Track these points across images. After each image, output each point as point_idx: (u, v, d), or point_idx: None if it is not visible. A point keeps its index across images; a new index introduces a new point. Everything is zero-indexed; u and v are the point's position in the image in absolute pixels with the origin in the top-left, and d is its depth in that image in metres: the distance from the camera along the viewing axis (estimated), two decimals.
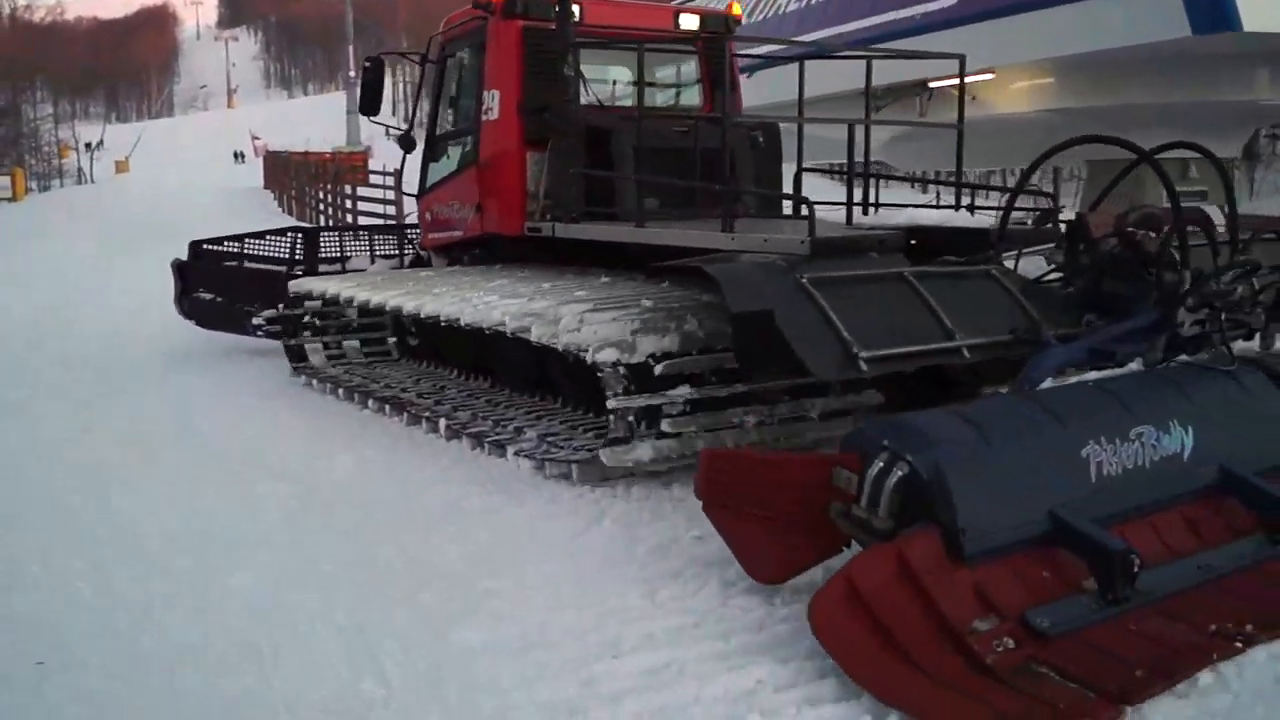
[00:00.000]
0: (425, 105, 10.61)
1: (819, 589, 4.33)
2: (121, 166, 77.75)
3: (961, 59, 9.07)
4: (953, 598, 4.20)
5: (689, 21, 10.09)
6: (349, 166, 36.01)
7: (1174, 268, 5.85)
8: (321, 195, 31.17)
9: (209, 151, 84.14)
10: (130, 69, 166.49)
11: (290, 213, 35.91)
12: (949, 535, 4.33)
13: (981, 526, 4.36)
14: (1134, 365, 5.97)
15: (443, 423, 7.94)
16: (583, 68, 8.89)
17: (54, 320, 15.25)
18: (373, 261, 12.38)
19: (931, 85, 15.64)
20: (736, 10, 10.47)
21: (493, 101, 9.46)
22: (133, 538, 6.03)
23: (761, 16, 19.47)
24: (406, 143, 10.38)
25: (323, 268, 12.40)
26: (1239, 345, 6.11)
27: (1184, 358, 5.82)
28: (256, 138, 70.46)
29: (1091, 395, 5.18)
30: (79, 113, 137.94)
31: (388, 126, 10.82)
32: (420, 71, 10.63)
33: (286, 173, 39.65)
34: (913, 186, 40.48)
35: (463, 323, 7.64)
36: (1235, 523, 5.08)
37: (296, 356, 10.58)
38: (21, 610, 5.08)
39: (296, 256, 12.48)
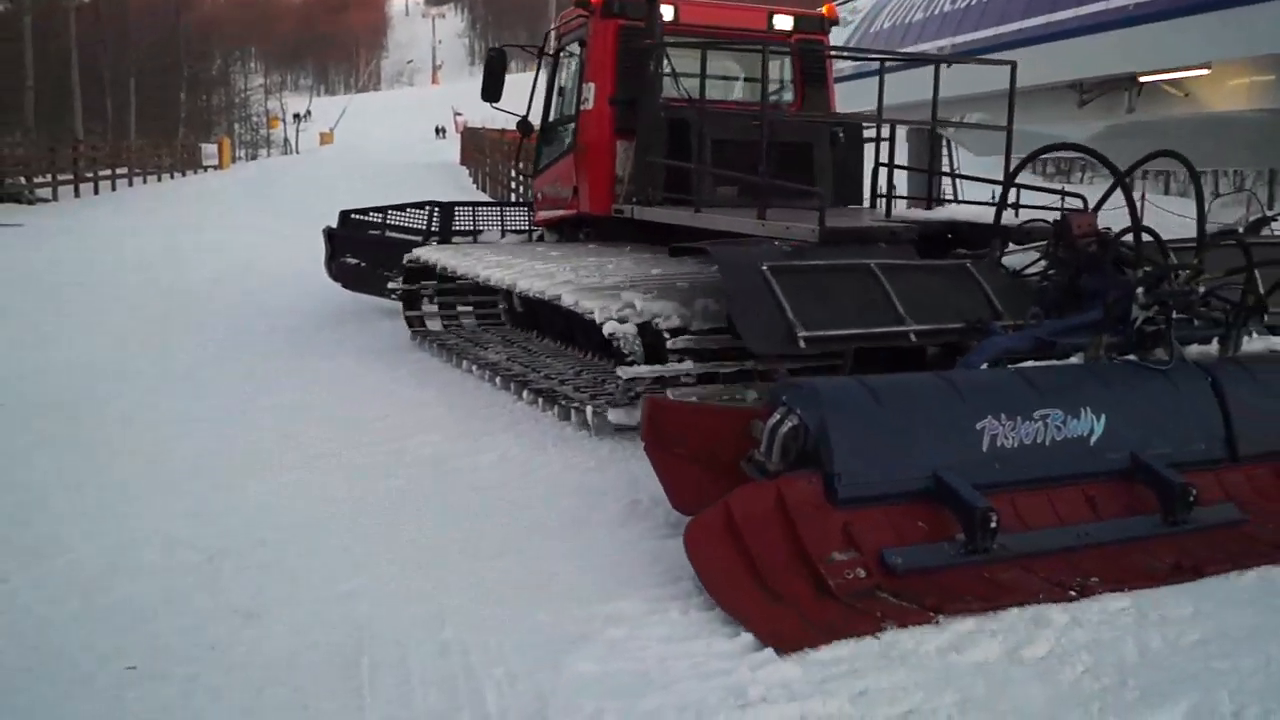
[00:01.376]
0: (541, 93, 11.54)
1: (698, 515, 4.96)
2: (326, 138, 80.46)
3: (1013, 65, 9.25)
4: (816, 531, 4.88)
5: (783, 22, 10.79)
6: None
7: (1134, 268, 6.34)
8: (512, 174, 31.44)
9: (412, 126, 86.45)
10: (340, 43, 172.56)
11: (484, 189, 36.45)
12: (827, 480, 5.02)
13: (858, 475, 5.03)
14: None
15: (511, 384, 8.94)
16: (678, 64, 9.78)
17: (238, 285, 15.88)
18: (503, 235, 13.15)
19: (1141, 80, 14.74)
20: (834, 11, 11.18)
21: (589, 93, 10.44)
22: (245, 532, 5.90)
23: (965, 3, 18.71)
24: (525, 127, 11.42)
25: (456, 239, 13.15)
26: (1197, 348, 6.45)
27: (1132, 356, 6.19)
28: (459, 114, 71.83)
29: (1004, 378, 5.75)
30: (288, 85, 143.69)
31: (508, 113, 11.37)
32: (538, 63, 11.57)
33: (481, 150, 40.31)
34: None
35: (517, 290, 8.91)
36: (1136, 504, 5.55)
37: (416, 322, 11.57)
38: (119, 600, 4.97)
39: (433, 228, 13.35)
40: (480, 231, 13.43)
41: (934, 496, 5.14)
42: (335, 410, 8.59)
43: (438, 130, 70.58)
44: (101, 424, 8.17)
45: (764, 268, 6.66)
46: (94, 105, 47.48)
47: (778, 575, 4.76)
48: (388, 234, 13.35)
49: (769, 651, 4.31)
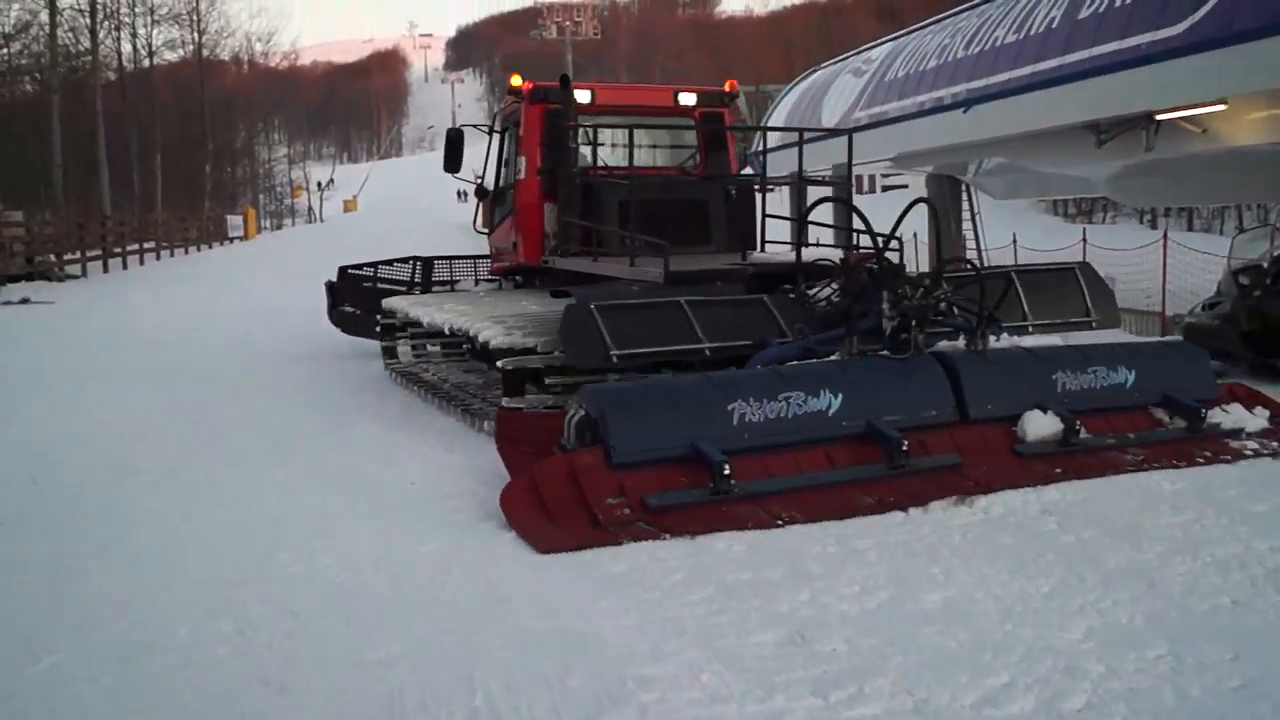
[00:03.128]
0: (493, 164, 13.70)
1: (510, 482, 7.38)
2: (349, 205, 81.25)
3: (849, 133, 12.14)
4: (596, 486, 7.03)
5: (687, 99, 13.04)
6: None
7: (886, 291, 8.65)
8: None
9: (434, 189, 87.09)
10: (361, 110, 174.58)
11: None
12: (606, 451, 7.17)
13: (629, 447, 7.20)
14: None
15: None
16: (600, 138, 12.34)
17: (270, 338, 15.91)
18: (476, 284, 15.26)
19: (1159, 117, 14.71)
20: (735, 86, 13.34)
21: (522, 165, 12.74)
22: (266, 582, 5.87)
23: (979, 48, 18.79)
24: (482, 192, 13.80)
25: (435, 289, 15.46)
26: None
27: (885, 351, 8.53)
28: (480, 177, 72.47)
29: (756, 373, 8.14)
30: (311, 153, 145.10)
31: (467, 181, 13.77)
32: (489, 139, 13.79)
33: None
34: (1141, 221, 38.72)
35: (424, 323, 12.05)
36: (868, 457, 7.68)
37: (389, 354, 13.99)
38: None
39: (416, 279, 15.69)
40: (457, 281, 15.70)
41: (692, 459, 7.28)
42: (366, 470, 8.58)
43: (459, 194, 71.35)
44: (133, 493, 8.19)
45: (592, 305, 9.00)
46: (121, 180, 48.06)
47: (563, 514, 6.92)
48: (379, 285, 15.58)
49: (535, 554, 6.49)
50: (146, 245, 39.97)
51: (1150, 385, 9.07)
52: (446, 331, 11.28)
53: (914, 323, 8.57)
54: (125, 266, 36.05)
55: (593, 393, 7.63)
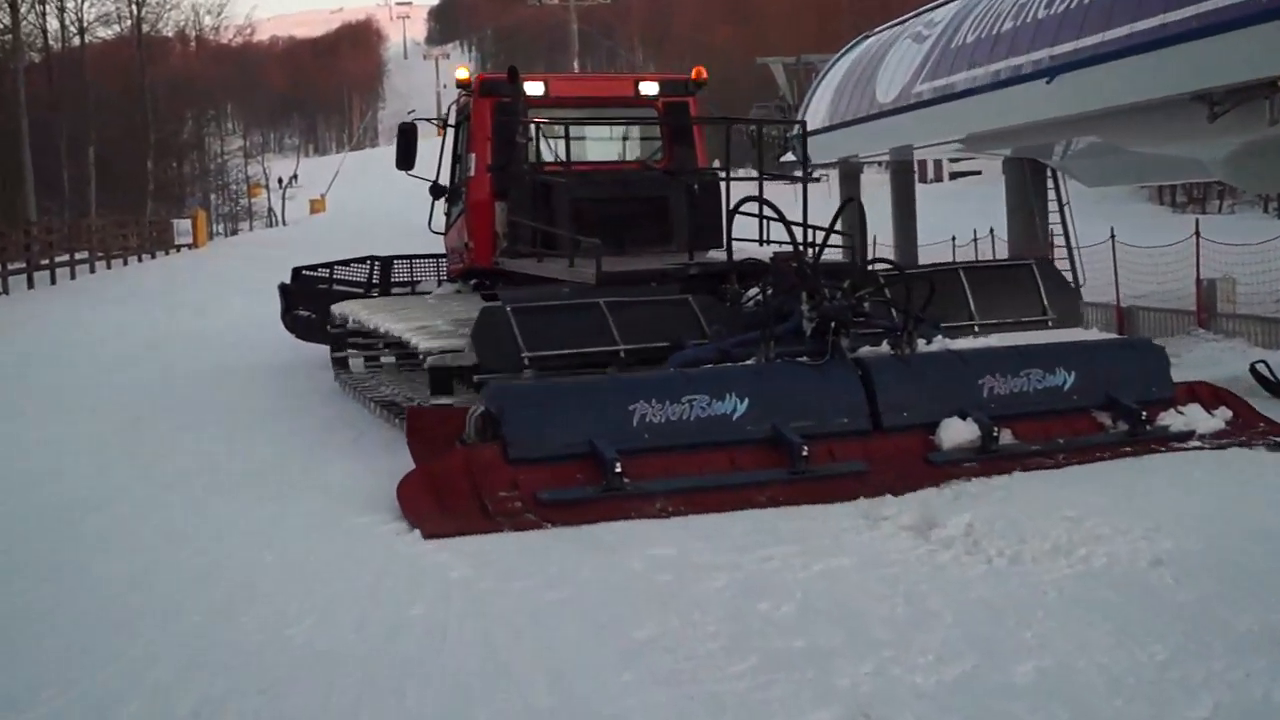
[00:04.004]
0: (448, 161, 15.03)
1: (407, 473, 9.01)
2: (317, 206, 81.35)
3: (803, 124, 14.66)
4: (490, 480, 8.59)
5: (648, 88, 14.33)
6: None
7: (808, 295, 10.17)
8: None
9: (416, 185, 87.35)
10: (330, 94, 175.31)
11: None
12: (503, 447, 8.75)
13: (526, 443, 8.77)
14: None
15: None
16: (555, 132, 13.45)
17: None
18: (439, 285, 16.30)
19: None
20: (702, 75, 14.53)
21: (473, 162, 14.13)
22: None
23: (1064, 6, 18.76)
24: (437, 191, 15.15)
25: (395, 291, 17.04)
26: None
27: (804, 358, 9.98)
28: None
29: (662, 375, 9.73)
30: (272, 145, 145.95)
31: (421, 179, 14.82)
32: (443, 134, 15.22)
33: None
34: (1266, 210, 38.53)
35: (365, 328, 13.81)
36: (773, 462, 9.16)
37: (341, 364, 15.51)
38: None
39: (374, 281, 17.23)
40: (419, 283, 17.12)
41: (590, 457, 8.79)
42: (343, 519, 8.60)
43: (435, 189, 71.63)
44: (77, 545, 8.23)
45: (508, 307, 10.58)
46: (48, 179, 48.42)
47: (455, 504, 8.51)
48: (334, 287, 17.00)
49: (424, 540, 8.03)
50: (78, 256, 40.24)
51: (1093, 387, 10.33)
52: (381, 335, 13.02)
53: (833, 326, 10.02)
54: (54, 281, 36.28)
55: (494, 391, 9.36)
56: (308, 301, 16.97)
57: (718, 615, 6.38)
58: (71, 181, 51.54)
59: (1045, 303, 12.22)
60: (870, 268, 11.69)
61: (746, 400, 9.34)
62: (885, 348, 10.40)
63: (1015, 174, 23.52)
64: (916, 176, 30.12)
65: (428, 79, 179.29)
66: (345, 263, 17.58)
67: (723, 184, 13.23)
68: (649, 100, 14.41)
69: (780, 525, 8.11)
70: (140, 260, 46.23)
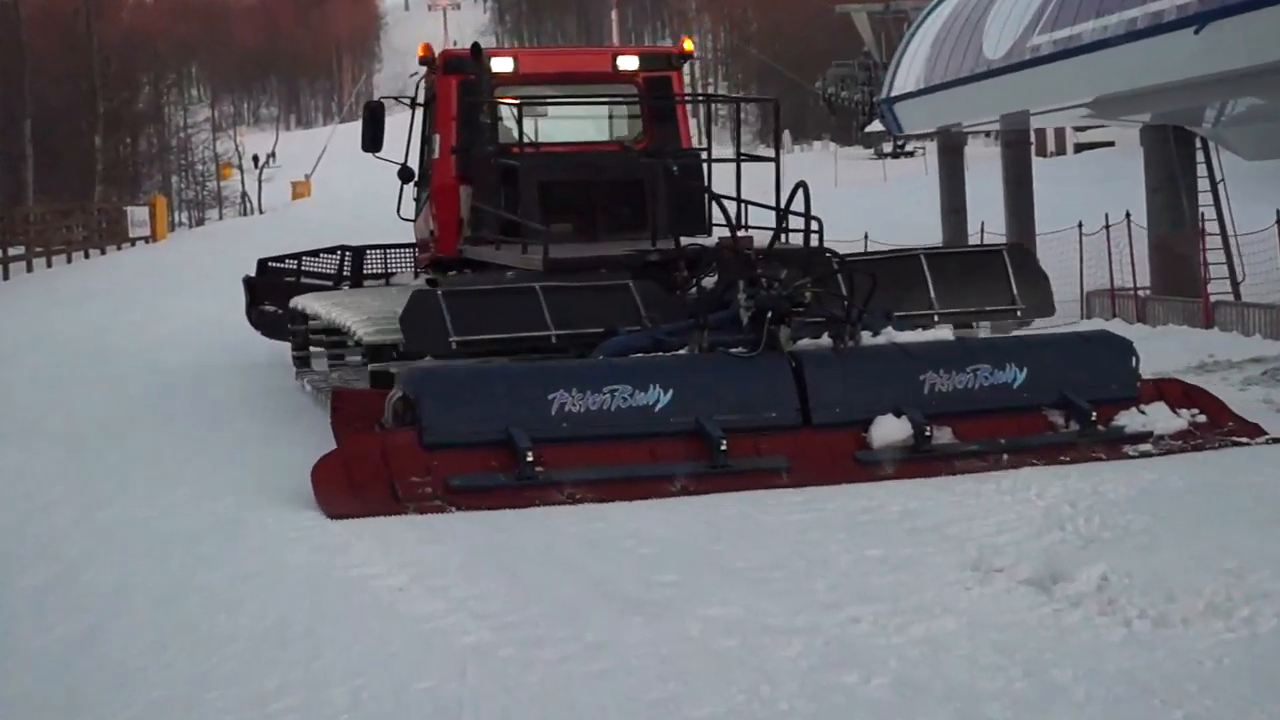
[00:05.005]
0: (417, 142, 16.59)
1: (323, 455, 10.63)
2: (300, 189, 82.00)
3: (775, 103, 16.48)
4: (404, 465, 10.32)
5: (627, 62, 15.84)
6: None
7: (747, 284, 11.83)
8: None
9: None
10: (315, 55, 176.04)
11: None
12: (419, 432, 10.46)
13: (443, 430, 10.47)
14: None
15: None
16: (527, 110, 14.82)
17: None
18: (416, 276, 17.74)
19: None
20: (688, 47, 16.52)
21: (437, 143, 15.70)
22: None
23: None
24: (406, 174, 16.59)
25: (368, 282, 18.87)
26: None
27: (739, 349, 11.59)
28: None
29: (586, 364, 11.54)
30: (246, 116, 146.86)
31: (389, 161, 16.35)
32: (412, 113, 16.76)
33: None
34: None
35: (312, 318, 16.50)
36: (694, 455, 10.82)
37: (301, 364, 17.40)
38: None
39: (345, 273, 19.02)
40: (394, 274, 18.79)
41: (506, 444, 10.49)
42: (333, 569, 8.61)
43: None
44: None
45: (439, 290, 12.72)
46: None
47: (366, 487, 10.26)
48: (303, 280, 18.76)
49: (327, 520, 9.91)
50: (12, 252, 40.57)
51: (1046, 384, 11.73)
52: (328, 324, 15.28)
53: (769, 316, 11.51)
54: None
55: (413, 375, 11.24)
56: (274, 296, 18.75)
57: (792, 690, 6.34)
58: (3, 160, 52.02)
59: (1015, 292, 13.55)
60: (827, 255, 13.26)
61: (670, 392, 10.99)
62: (827, 340, 11.94)
63: (1156, 145, 23.37)
64: (1034, 149, 30.01)
65: (433, 34, 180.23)
66: (314, 253, 19.48)
67: (716, 167, 14.84)
68: (628, 75, 15.82)
69: (870, 579, 8.06)
70: (87, 256, 46.72)
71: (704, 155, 14.96)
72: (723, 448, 10.65)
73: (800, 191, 12.84)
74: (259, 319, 19.17)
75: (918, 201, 40.49)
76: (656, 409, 10.92)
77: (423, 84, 16.75)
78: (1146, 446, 11.45)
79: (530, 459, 10.32)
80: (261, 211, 76.71)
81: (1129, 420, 11.62)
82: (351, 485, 10.28)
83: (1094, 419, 11.46)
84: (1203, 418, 11.88)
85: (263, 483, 11.71)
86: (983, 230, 26.03)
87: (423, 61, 16.24)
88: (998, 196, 27.20)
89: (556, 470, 10.46)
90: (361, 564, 8.92)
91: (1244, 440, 11.72)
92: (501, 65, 15.20)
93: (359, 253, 19.34)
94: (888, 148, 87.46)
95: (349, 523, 10.20)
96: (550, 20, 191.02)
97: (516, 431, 10.47)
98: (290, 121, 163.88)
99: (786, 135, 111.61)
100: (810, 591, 7.88)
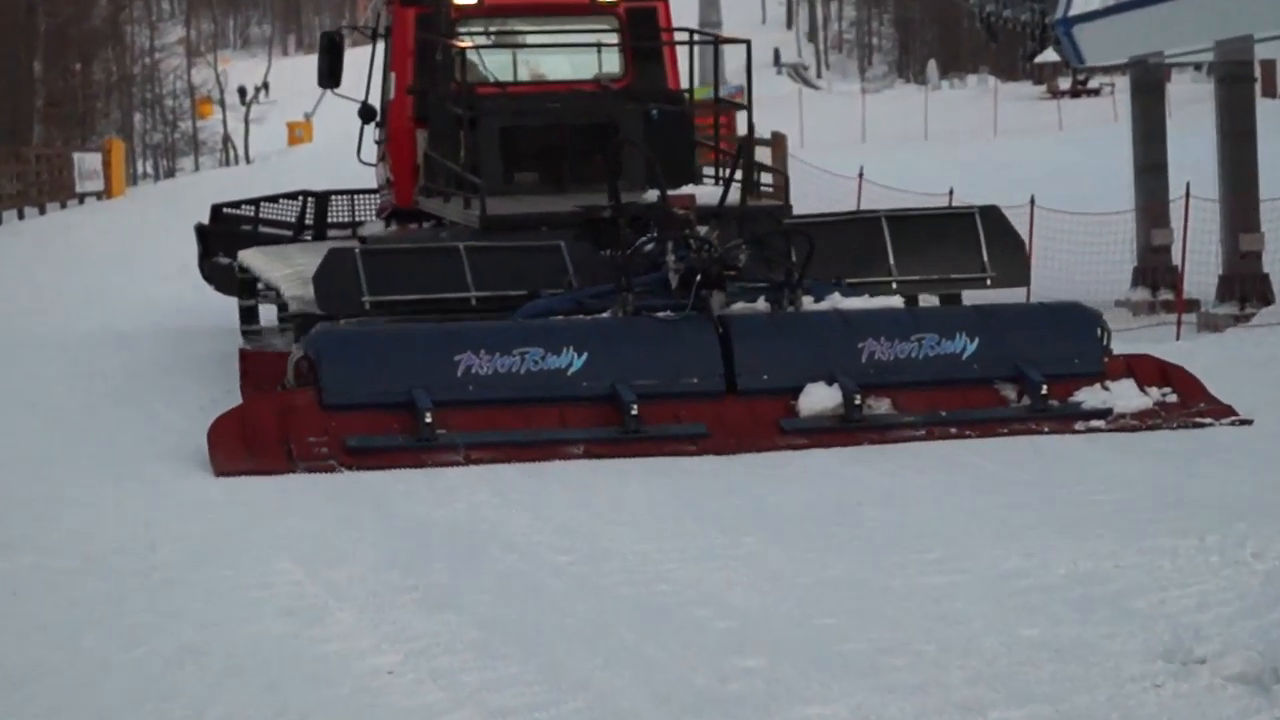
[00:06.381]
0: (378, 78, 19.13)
1: (221, 414, 13.43)
2: (298, 132, 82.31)
3: (748, 44, 17.74)
4: (301, 425, 12.97)
5: None
6: (699, 126, 36.83)
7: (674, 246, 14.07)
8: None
9: None
10: None
11: None
12: (319, 393, 13.04)
13: (341, 390, 13.03)
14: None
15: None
16: (491, 46, 17.81)
17: None
18: (388, 225, 19.73)
19: None
20: None
21: (392, 83, 18.27)
22: None
23: None
24: (367, 113, 18.84)
25: (332, 232, 21.20)
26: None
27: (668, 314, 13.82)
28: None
29: (497, 326, 13.79)
30: (232, 38, 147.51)
31: (349, 99, 18.74)
32: (372, 45, 18.99)
33: None
34: None
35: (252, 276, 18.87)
36: (606, 420, 13.20)
37: (247, 318, 20.07)
38: None
39: (306, 221, 21.51)
40: (361, 223, 20.82)
41: (408, 406, 12.80)
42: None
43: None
44: None
45: (355, 249, 15.18)
46: None
47: (261, 448, 12.69)
48: (260, 229, 21.43)
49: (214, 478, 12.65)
50: None
51: (999, 356, 13.89)
52: (266, 281, 17.89)
53: (698, 279, 13.63)
54: None
55: (314, 336, 13.57)
56: (229, 246, 20.84)
57: None
58: None
59: (985, 258, 15.81)
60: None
61: (585, 355, 13.25)
62: (762, 304, 14.14)
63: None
64: (1259, 88, 29.58)
65: None
66: (274, 199, 22.17)
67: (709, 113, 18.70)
68: (607, 7, 18.02)
69: (1024, 671, 7.80)
70: (21, 217, 47.03)
71: (687, 96, 18.07)
72: (634, 412, 12.90)
73: (741, 150, 16.11)
74: (211, 272, 21.59)
75: (1103, 156, 40.13)
76: (569, 372, 13.23)
77: (382, 13, 19.07)
78: (1099, 423, 13.62)
79: (429, 420, 12.68)
80: (250, 160, 77.31)
81: (1088, 396, 13.80)
82: (246, 445, 12.75)
83: (1045, 393, 13.57)
84: (1174, 397, 13.98)
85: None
86: (1187, 194, 25.60)
87: None
88: (1210, 151, 26.81)
89: (458, 433, 12.89)
90: (343, 636, 8.81)
91: (1208, 421, 13.78)
92: None
93: (322, 199, 21.79)
94: (1065, 84, 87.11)
95: (331, 580, 10.12)
96: None
97: (418, 393, 12.80)
98: (289, 44, 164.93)
99: (932, 69, 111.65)
100: (943, 686, 7.65)
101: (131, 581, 10.04)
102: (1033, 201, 26.12)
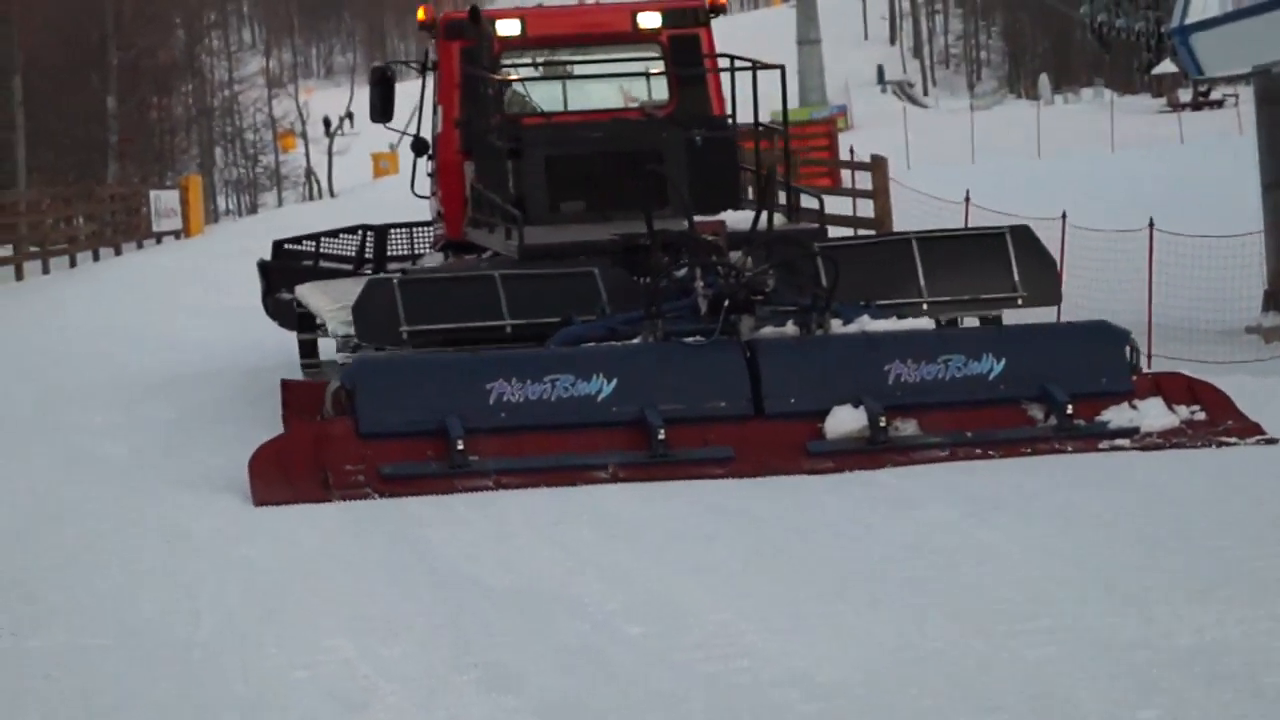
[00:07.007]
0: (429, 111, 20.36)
1: (262, 444, 14.17)
2: (383, 164, 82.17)
3: (782, 69, 18.35)
4: (338, 454, 13.85)
5: (649, 19, 18.71)
6: (797, 149, 36.66)
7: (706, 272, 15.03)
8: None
9: None
10: None
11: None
12: (355, 422, 13.93)
13: (377, 419, 13.89)
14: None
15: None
16: (530, 79, 19.24)
17: None
18: (446, 258, 20.59)
19: None
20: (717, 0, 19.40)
21: (440, 116, 19.37)
22: None
23: None
24: (420, 147, 20.12)
25: (392, 265, 21.87)
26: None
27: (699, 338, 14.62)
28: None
29: (523, 354, 14.70)
30: (315, 68, 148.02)
31: (401, 132, 20.33)
32: (423, 78, 20.17)
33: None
34: None
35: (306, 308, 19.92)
36: (631, 445, 14.03)
37: (306, 352, 21.12)
38: None
39: (366, 255, 22.63)
40: (420, 255, 21.74)
41: (442, 434, 13.56)
42: None
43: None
44: None
45: (394, 279, 16.10)
46: None
47: (298, 475, 13.54)
48: (321, 264, 22.36)
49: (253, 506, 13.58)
50: None
51: (1026, 376, 14.47)
52: (313, 315, 19.07)
53: (726, 304, 14.41)
54: None
55: (352, 366, 14.64)
56: (291, 281, 21.56)
57: None
58: None
59: (1016, 278, 16.40)
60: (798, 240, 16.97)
61: (615, 381, 13.97)
62: (791, 328, 14.74)
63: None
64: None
65: None
66: (334, 233, 23.14)
67: (756, 137, 18.60)
68: (650, 34, 18.98)
69: None
70: (96, 258, 46.96)
71: (732, 122, 18.76)
72: (661, 436, 13.69)
73: (767, 177, 16.92)
74: (275, 308, 22.44)
75: (1225, 171, 39.68)
76: (599, 398, 13.98)
77: (430, 47, 20.33)
78: (1123, 442, 14.17)
79: (461, 447, 13.46)
80: (334, 194, 77.34)
81: (1115, 415, 14.36)
82: (284, 474, 13.57)
83: (1070, 413, 14.18)
84: (1202, 415, 14.55)
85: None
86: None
87: (423, 27, 19.97)
88: None
89: (489, 459, 13.68)
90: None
91: (1232, 440, 14.31)
92: (508, 29, 18.58)
93: (381, 233, 22.79)
94: (1185, 96, 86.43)
95: (382, 658, 9.79)
96: None
97: (451, 420, 13.58)
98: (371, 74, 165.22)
99: (1045, 83, 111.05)
100: None
101: (169, 662, 9.83)
102: (1151, 224, 25.64)
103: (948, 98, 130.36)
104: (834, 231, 22.37)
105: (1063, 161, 59.87)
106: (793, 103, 78.46)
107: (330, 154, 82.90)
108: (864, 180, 32.73)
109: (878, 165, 31.32)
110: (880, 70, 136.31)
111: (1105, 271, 25.76)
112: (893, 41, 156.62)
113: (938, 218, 31.19)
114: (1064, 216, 23.44)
